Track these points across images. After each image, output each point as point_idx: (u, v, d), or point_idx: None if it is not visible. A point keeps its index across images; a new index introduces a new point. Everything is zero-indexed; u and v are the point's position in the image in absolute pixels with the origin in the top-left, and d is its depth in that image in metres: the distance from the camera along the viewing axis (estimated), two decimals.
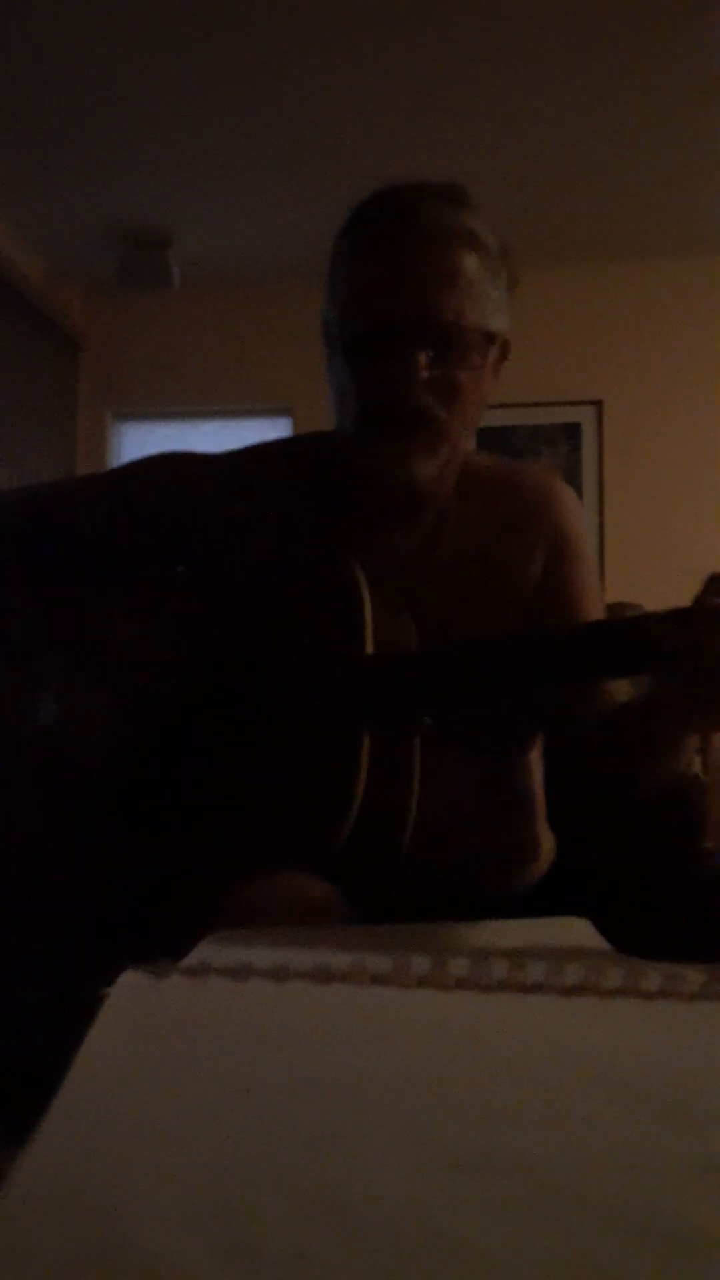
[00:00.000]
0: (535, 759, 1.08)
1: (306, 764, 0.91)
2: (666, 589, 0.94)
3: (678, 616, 0.82)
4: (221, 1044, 0.45)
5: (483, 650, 0.92)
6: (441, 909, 0.84)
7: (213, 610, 1.01)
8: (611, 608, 2.12)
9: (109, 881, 0.95)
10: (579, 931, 0.68)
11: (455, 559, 1.04)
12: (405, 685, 0.92)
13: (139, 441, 4.67)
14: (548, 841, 1.07)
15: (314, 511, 1.04)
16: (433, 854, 0.93)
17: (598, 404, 4.31)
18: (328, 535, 1.02)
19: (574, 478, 4.31)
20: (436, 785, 0.91)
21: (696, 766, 0.94)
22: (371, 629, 0.92)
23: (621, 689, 0.98)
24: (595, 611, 1.06)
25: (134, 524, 1.08)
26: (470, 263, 0.96)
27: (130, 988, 0.50)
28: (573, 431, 4.33)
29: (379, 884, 0.91)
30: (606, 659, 0.88)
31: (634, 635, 0.86)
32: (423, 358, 0.94)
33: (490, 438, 4.26)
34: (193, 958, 0.56)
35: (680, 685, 0.86)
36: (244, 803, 0.93)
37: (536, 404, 4.25)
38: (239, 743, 0.94)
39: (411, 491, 0.99)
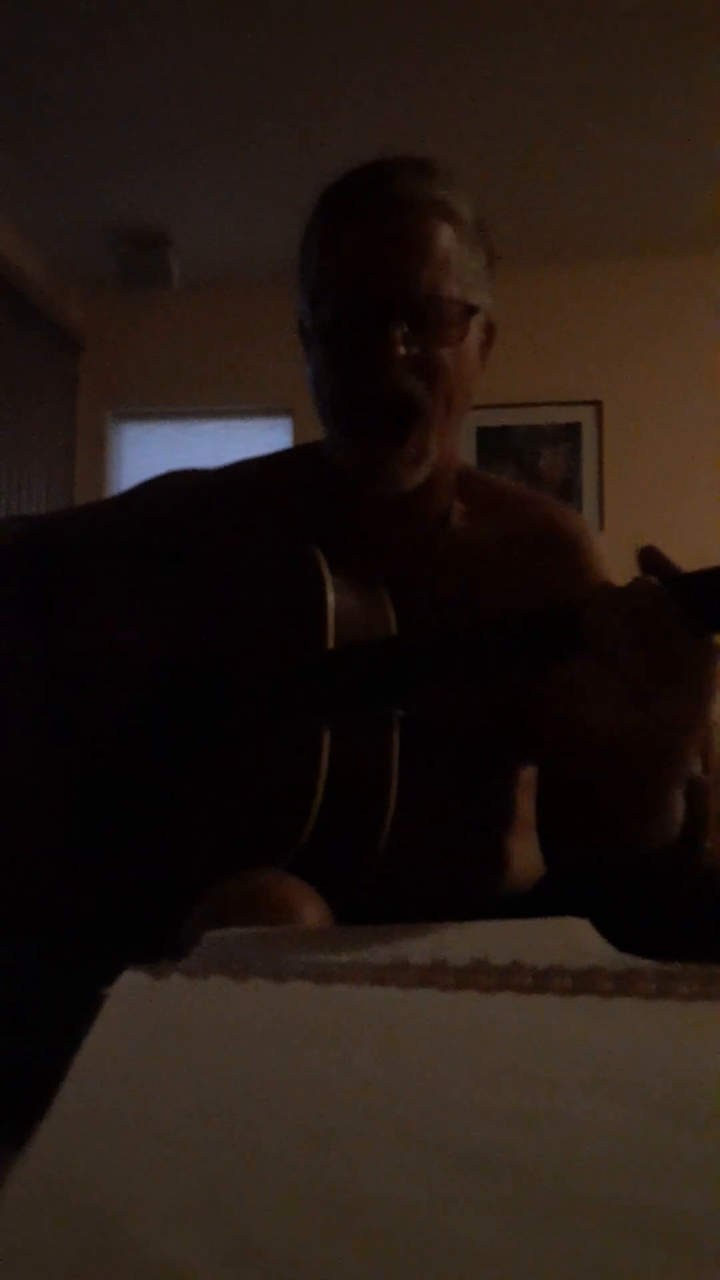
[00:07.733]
0: (519, 778, 1.06)
1: (270, 758, 0.88)
2: None
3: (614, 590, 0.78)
4: (221, 1044, 0.45)
5: (442, 637, 0.88)
6: (411, 914, 0.84)
7: (189, 609, 1.01)
8: None
9: (108, 881, 0.95)
10: (579, 931, 0.68)
11: (460, 568, 1.00)
12: (367, 675, 0.88)
13: (139, 441, 4.67)
14: (524, 854, 1.05)
15: (303, 518, 1.02)
16: (398, 858, 0.92)
17: (598, 404, 4.31)
18: (315, 539, 0.99)
19: (574, 478, 4.31)
20: (406, 794, 0.90)
21: (697, 767, 0.90)
22: (333, 612, 0.87)
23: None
24: None
25: (130, 537, 1.08)
26: (443, 233, 0.91)
27: (130, 988, 0.50)
28: (573, 431, 4.33)
29: (357, 877, 0.91)
30: (555, 638, 0.81)
31: (572, 609, 0.78)
32: (399, 334, 0.89)
33: (490, 438, 4.27)
34: (192, 958, 0.56)
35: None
36: (212, 798, 0.92)
37: (536, 404, 4.26)
38: (206, 739, 0.93)
39: (400, 494, 0.95)
